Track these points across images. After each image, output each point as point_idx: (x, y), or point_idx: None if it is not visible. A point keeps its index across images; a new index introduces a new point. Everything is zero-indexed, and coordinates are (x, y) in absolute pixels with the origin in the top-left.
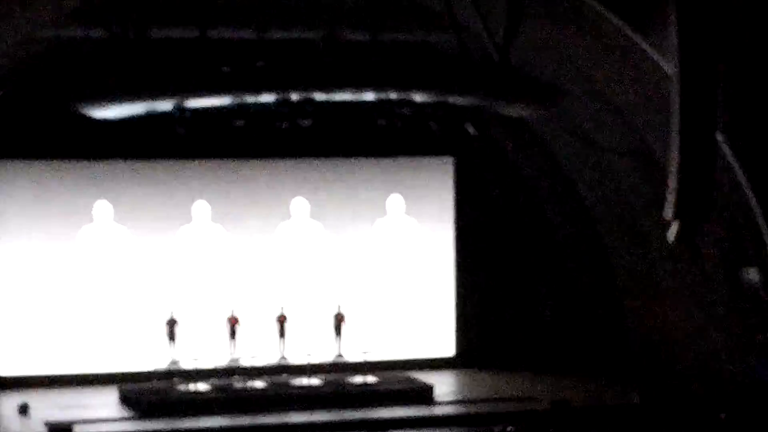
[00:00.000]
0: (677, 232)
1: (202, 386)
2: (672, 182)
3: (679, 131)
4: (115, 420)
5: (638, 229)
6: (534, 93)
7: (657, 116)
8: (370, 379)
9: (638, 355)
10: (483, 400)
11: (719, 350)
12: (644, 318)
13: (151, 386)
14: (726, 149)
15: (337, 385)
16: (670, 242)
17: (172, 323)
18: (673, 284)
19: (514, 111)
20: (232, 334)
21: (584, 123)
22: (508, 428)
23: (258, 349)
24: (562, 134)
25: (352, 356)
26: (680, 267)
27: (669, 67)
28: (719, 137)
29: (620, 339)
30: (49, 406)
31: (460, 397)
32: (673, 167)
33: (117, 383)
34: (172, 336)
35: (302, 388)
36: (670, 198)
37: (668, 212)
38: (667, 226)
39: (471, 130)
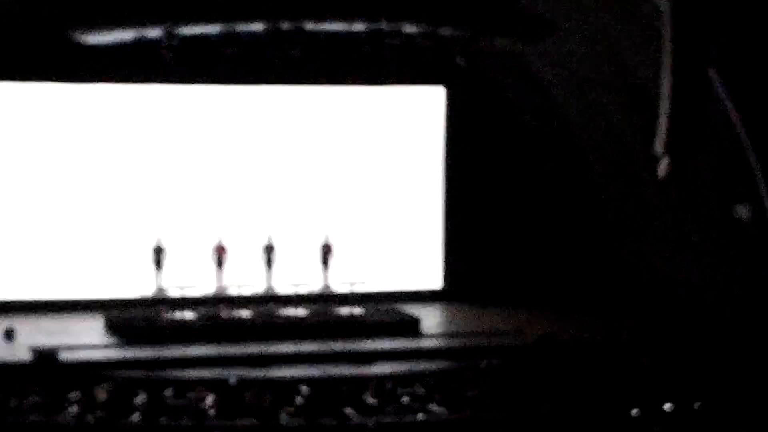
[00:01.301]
0: (667, 167)
1: (188, 315)
2: (663, 117)
3: (670, 66)
4: (100, 347)
5: (629, 164)
6: (525, 26)
7: (649, 51)
8: (357, 310)
9: (628, 292)
10: (469, 334)
11: (709, 287)
12: (635, 254)
13: (137, 313)
14: (717, 84)
15: (323, 316)
16: (660, 177)
17: (158, 251)
18: (663, 220)
19: (505, 44)
20: (219, 263)
21: (576, 58)
22: (493, 361)
23: (245, 279)
24: (554, 68)
25: (338, 287)
26: (671, 203)
27: (661, 3)
28: (711, 72)
29: (610, 275)
30: (34, 331)
31: (446, 330)
32: (665, 102)
33: (103, 310)
34: (158, 264)
35: (288, 318)
36: (661, 133)
37: (659, 147)
38: (657, 161)
39: (461, 62)
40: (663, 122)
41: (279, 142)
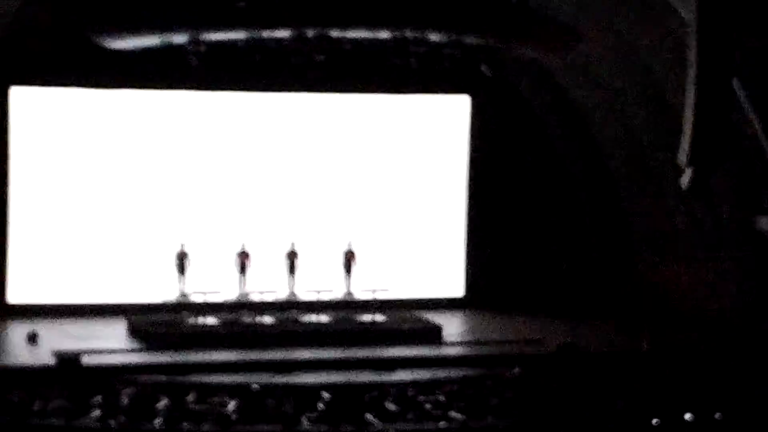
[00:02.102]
0: (691, 179)
1: (210, 320)
2: (687, 128)
3: (695, 77)
4: (123, 351)
5: (652, 173)
6: (550, 35)
7: (673, 61)
8: (379, 317)
9: (649, 302)
10: (491, 342)
11: (730, 299)
12: (657, 265)
13: (159, 319)
14: (741, 96)
15: (345, 323)
16: (683, 188)
17: (182, 256)
18: (686, 231)
19: (530, 52)
20: (242, 269)
21: (601, 67)
22: (515, 370)
23: (267, 285)
24: (579, 78)
25: (361, 294)
26: (694, 213)
27: (686, 13)
28: (735, 83)
29: (630, 285)
30: (57, 335)
31: (468, 338)
32: (688, 113)
33: (126, 315)
34: (182, 269)
35: (311, 324)
36: (685, 144)
37: (682, 158)
38: (681, 172)
39: (486, 71)
40: (686, 133)
41: (304, 149)
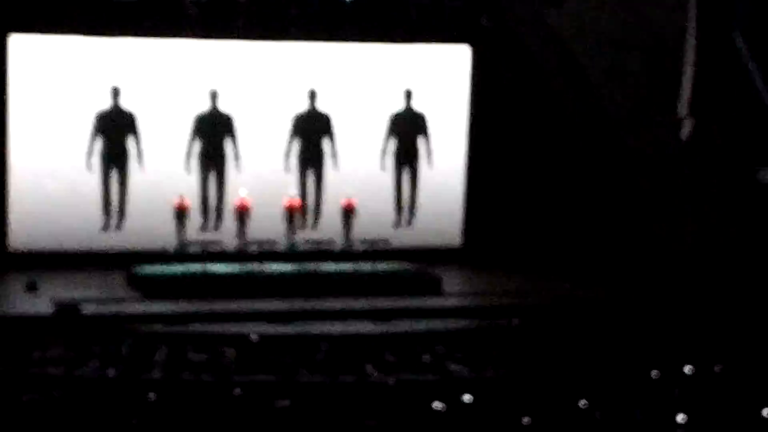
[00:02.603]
0: (691, 130)
1: (210, 270)
2: (687, 80)
3: (695, 29)
4: (122, 300)
5: (653, 126)
6: None
7: (673, 12)
8: (378, 268)
9: (649, 256)
10: (490, 293)
11: (733, 251)
12: (657, 218)
13: (159, 268)
14: (742, 47)
15: (344, 274)
16: (683, 139)
17: (181, 207)
18: (686, 183)
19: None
20: (241, 219)
21: (600, 18)
22: (514, 321)
23: (266, 235)
24: (578, 28)
25: (360, 245)
26: (694, 166)
27: None
28: (735, 35)
29: (632, 239)
30: (56, 284)
31: (467, 290)
32: (689, 65)
33: (125, 264)
34: (181, 219)
35: (309, 275)
36: (685, 95)
37: (682, 109)
38: (681, 123)
39: (485, 22)
40: (687, 85)
41: (302, 100)
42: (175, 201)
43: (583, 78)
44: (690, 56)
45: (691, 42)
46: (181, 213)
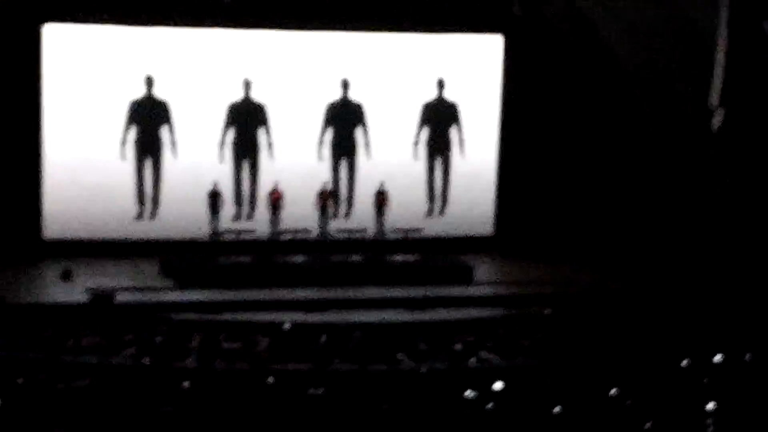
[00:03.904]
0: (722, 120)
1: (243, 258)
2: (718, 69)
3: (727, 19)
4: (156, 289)
5: (683, 116)
6: None
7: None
8: (410, 257)
9: (680, 246)
10: (521, 282)
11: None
12: (686, 207)
13: (192, 257)
14: None
15: (377, 263)
16: (714, 129)
17: (215, 195)
18: (716, 173)
19: None
20: (275, 208)
21: (633, 5)
22: (546, 310)
23: (300, 224)
24: (612, 16)
25: (392, 234)
26: (724, 156)
27: None
28: (766, 25)
29: (662, 230)
30: (91, 273)
31: (498, 278)
32: (720, 55)
33: (159, 252)
34: (214, 208)
35: (343, 264)
36: (716, 85)
37: (714, 99)
38: (712, 113)
39: (517, 11)
40: (718, 74)
41: (335, 89)
42: (209, 190)
43: (616, 67)
44: (721, 46)
45: (722, 32)
46: (214, 202)
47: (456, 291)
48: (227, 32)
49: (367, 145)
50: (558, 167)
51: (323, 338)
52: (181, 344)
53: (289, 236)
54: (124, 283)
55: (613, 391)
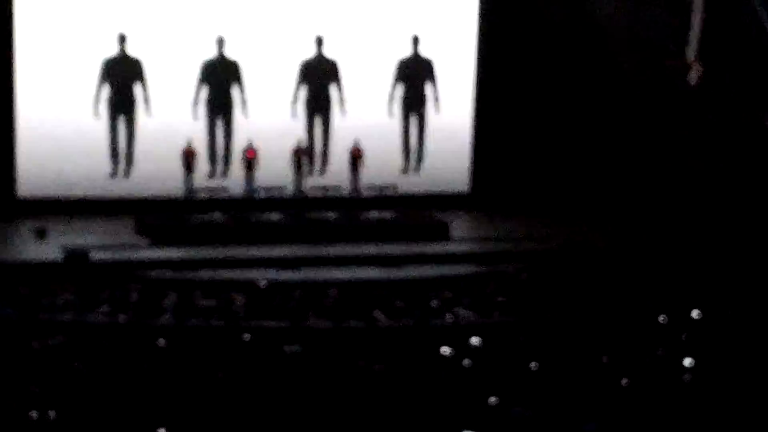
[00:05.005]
0: (699, 75)
1: (217, 216)
2: (695, 25)
3: None
4: (130, 246)
5: (661, 70)
6: None
7: None
8: (386, 214)
9: (657, 201)
10: (497, 239)
11: (739, 196)
12: (663, 163)
13: (167, 214)
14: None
15: (351, 220)
16: (691, 84)
17: (189, 153)
18: (693, 129)
19: None
20: (249, 166)
21: None
22: (522, 275)
23: (275, 182)
24: None
25: (368, 191)
26: (701, 111)
27: None
28: None
29: (639, 184)
30: (65, 231)
31: (474, 235)
32: (697, 9)
33: (133, 210)
34: (189, 166)
35: (318, 221)
36: (693, 40)
37: (691, 54)
38: (689, 67)
39: None
40: (695, 30)
41: (309, 42)
42: (183, 148)
43: (593, 23)
44: (698, 1)
45: None
46: (188, 160)
47: (432, 248)
48: None
49: (341, 101)
50: (534, 124)
51: (298, 294)
52: (156, 302)
53: (263, 194)
54: (98, 241)
55: (589, 347)
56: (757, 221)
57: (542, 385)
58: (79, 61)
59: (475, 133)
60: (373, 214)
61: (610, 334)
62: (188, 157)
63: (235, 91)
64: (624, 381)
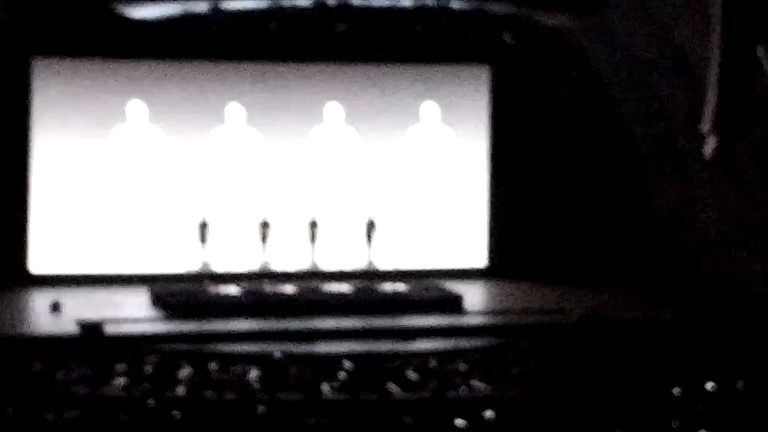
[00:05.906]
0: (714, 147)
1: (232, 289)
2: (710, 96)
3: (719, 44)
4: (145, 320)
5: (676, 144)
6: (572, 2)
7: (699, 30)
8: (400, 287)
9: (672, 271)
10: (512, 311)
11: (754, 268)
12: (679, 235)
13: (181, 288)
14: (766, 63)
15: (367, 293)
16: (706, 157)
17: (204, 226)
18: (709, 202)
19: (552, 20)
20: (264, 238)
21: (624, 35)
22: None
23: (289, 255)
24: (603, 47)
25: (382, 264)
26: (717, 184)
27: None
28: (760, 51)
29: (655, 254)
30: (80, 304)
31: (489, 308)
32: (712, 81)
33: (148, 284)
34: (203, 238)
35: (332, 294)
36: (708, 112)
37: (705, 126)
38: (704, 140)
39: (508, 39)
40: (710, 101)
41: (324, 119)
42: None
43: (606, 96)
44: (713, 72)
45: (714, 58)
46: (203, 231)
47: (446, 320)
48: (216, 64)
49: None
50: (549, 196)
51: (313, 367)
52: (170, 374)
53: (278, 267)
54: (113, 314)
55: (604, 420)
56: None
57: None
58: (93, 137)
59: (491, 205)
60: (388, 287)
61: (625, 406)
62: (203, 229)
63: None
64: None
